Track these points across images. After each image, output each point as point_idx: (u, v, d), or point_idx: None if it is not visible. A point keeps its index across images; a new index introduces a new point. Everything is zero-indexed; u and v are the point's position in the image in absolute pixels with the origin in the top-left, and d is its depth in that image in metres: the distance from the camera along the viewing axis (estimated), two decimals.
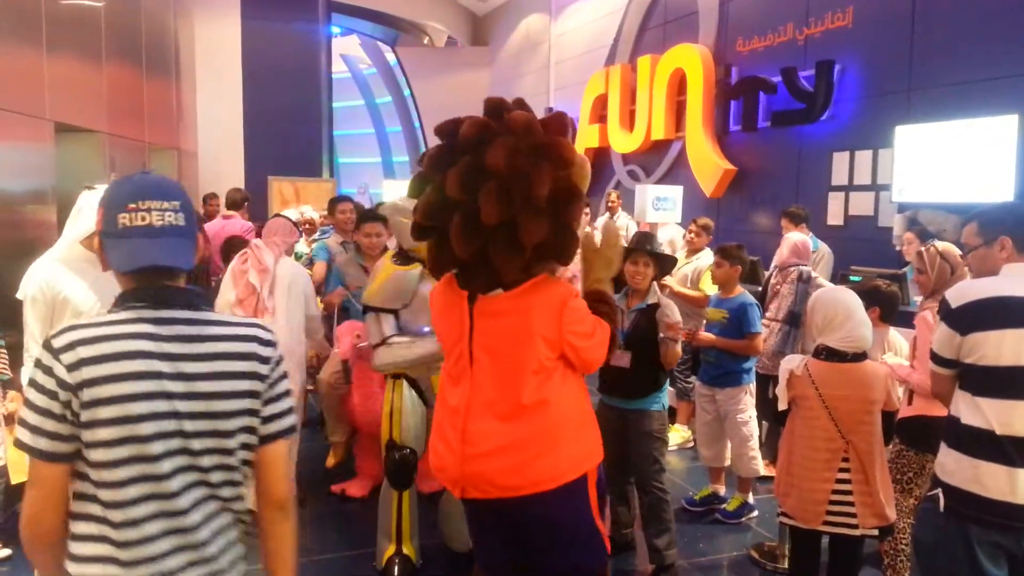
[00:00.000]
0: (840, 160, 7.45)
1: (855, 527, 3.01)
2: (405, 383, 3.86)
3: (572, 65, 13.01)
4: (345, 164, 19.07)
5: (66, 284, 3.16)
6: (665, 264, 4.11)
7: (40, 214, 5.42)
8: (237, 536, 1.72)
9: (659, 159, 10.38)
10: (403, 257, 3.78)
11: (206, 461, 1.62)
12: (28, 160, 5.38)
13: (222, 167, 10.54)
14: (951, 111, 6.20)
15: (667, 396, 4.10)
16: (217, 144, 10.84)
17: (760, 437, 5.15)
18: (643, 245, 4.02)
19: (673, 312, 3.96)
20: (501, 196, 2.22)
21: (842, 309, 3.04)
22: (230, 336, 1.67)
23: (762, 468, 4.89)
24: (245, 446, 1.67)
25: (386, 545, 3.86)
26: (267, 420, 1.70)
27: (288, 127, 11.60)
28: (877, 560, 3.89)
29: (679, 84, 9.77)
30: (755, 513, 4.74)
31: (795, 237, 5.45)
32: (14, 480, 3.93)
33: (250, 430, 1.67)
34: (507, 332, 2.42)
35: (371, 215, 4.91)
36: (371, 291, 3.80)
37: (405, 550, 3.85)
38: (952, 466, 2.47)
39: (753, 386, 4.77)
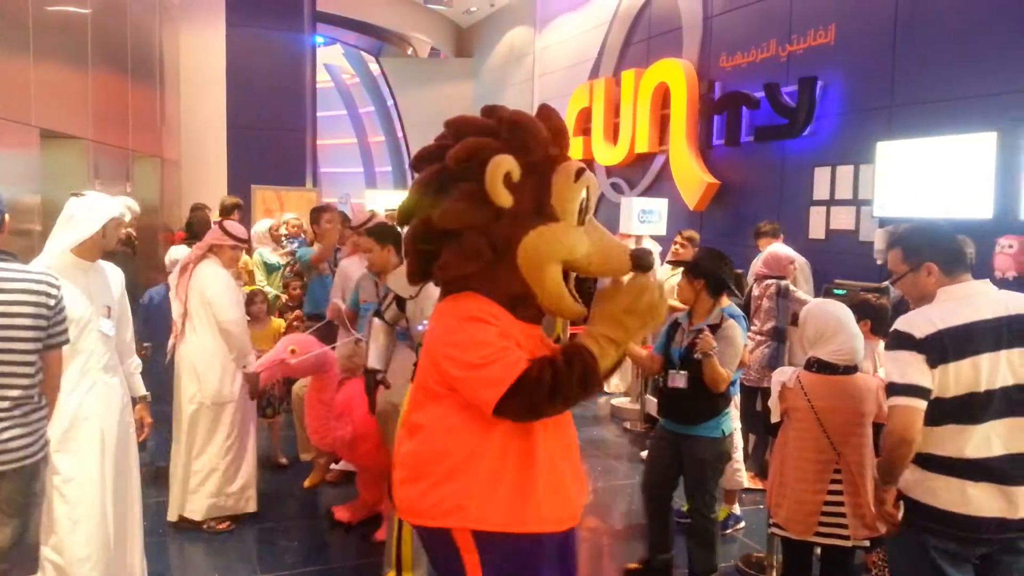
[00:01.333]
0: (822, 175, 7.54)
1: (847, 538, 3.05)
2: None
3: (556, 78, 13.08)
4: (327, 173, 19.03)
5: None
6: (715, 280, 3.90)
7: (25, 221, 5.36)
8: (18, 420, 2.71)
9: (642, 172, 10.45)
10: None
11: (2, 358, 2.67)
12: (13, 167, 5.32)
13: (205, 175, 10.49)
14: (932, 128, 6.30)
15: (729, 422, 3.89)
16: (200, 152, 10.79)
17: (746, 450, 5.20)
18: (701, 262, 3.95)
19: (735, 333, 3.80)
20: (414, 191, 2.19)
21: (833, 322, 3.08)
22: (26, 279, 2.72)
23: (746, 480, 4.93)
24: (35, 351, 2.74)
25: (386, 570, 3.78)
26: (51, 336, 2.79)
27: (272, 136, 11.55)
28: (863, 570, 3.93)
29: (663, 98, 9.85)
30: (741, 524, 4.77)
31: (770, 249, 5.52)
32: None
33: (38, 340, 2.74)
34: (433, 338, 2.21)
35: (371, 230, 4.65)
36: (393, 276, 4.14)
37: None
38: (909, 479, 2.53)
39: (738, 398, 4.81)
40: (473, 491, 2.05)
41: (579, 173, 2.16)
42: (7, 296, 2.66)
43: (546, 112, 2.25)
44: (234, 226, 4.75)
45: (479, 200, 2.04)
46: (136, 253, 5.29)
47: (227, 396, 4.52)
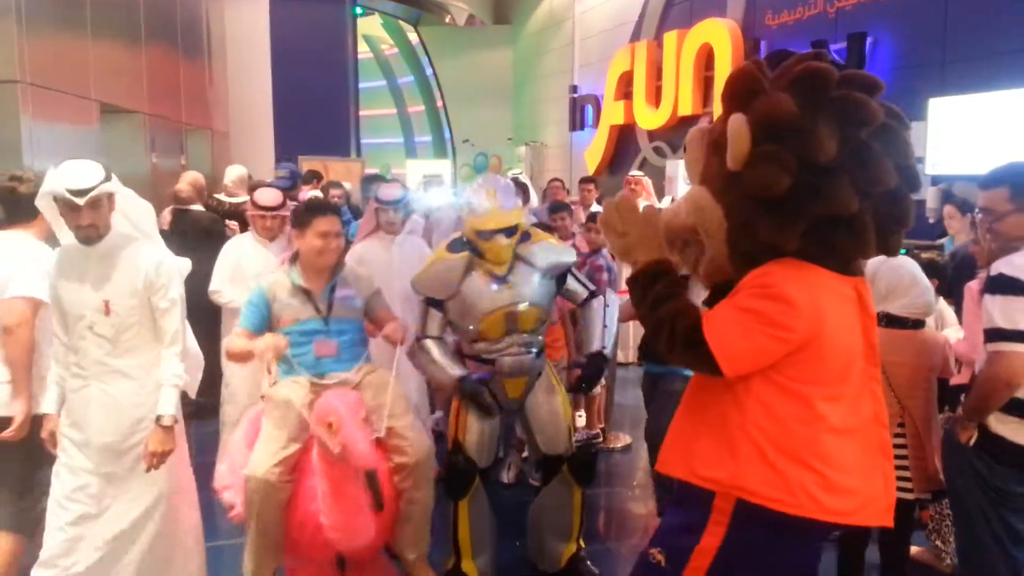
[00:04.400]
0: None
1: (910, 491, 3.07)
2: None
3: (596, 42, 12.96)
4: (367, 144, 19.15)
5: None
6: None
7: None
8: None
9: (686, 135, 10.34)
10: (459, 243, 3.45)
11: None
12: (76, 140, 5.47)
13: (253, 147, 10.65)
14: (985, 83, 6.17)
15: None
16: (248, 124, 10.94)
17: None
18: None
19: None
20: None
21: (907, 276, 3.07)
22: None
23: None
24: None
25: (450, 554, 3.56)
26: None
27: (316, 107, 11.69)
28: (919, 526, 3.96)
29: (706, 59, 9.73)
30: None
31: None
32: None
33: None
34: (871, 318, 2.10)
35: (324, 206, 3.49)
36: (418, 275, 3.48)
37: (464, 567, 3.48)
38: (1004, 422, 2.53)
39: None
40: None
41: None
42: None
43: None
44: (261, 194, 4.50)
45: None
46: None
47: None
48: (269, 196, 4.49)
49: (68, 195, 2.71)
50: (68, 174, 2.75)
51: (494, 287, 3.35)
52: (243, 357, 3.13)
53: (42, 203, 2.84)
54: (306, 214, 3.25)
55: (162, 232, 5.93)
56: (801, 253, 1.94)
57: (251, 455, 3.03)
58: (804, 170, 1.88)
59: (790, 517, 1.92)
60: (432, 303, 3.44)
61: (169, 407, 2.92)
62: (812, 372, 1.93)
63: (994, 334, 2.48)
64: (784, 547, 2.02)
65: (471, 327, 3.38)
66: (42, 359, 3.15)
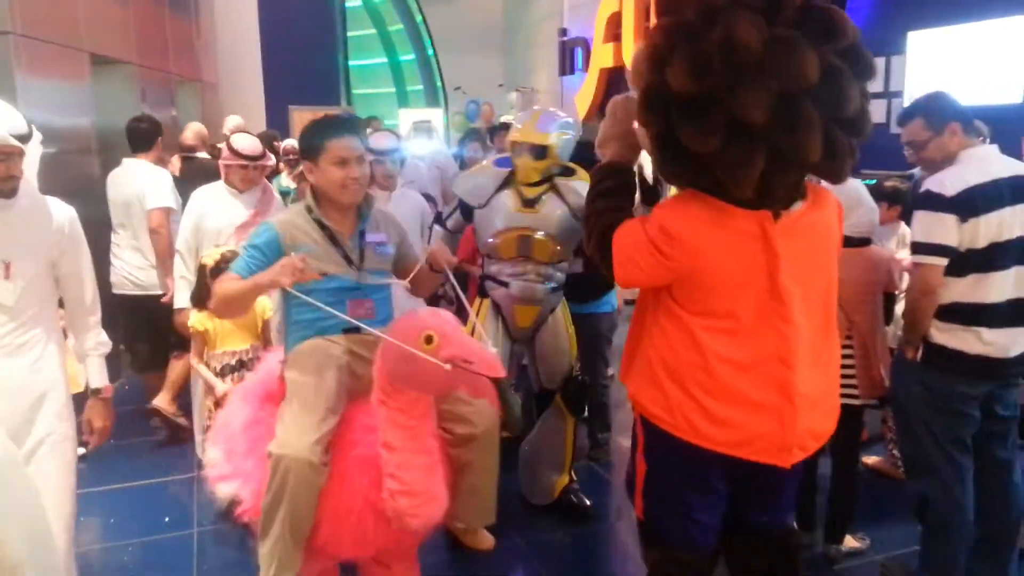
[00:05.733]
0: None
1: (856, 398, 3.27)
2: (490, 305, 3.59)
3: None
4: (359, 96, 19.05)
5: None
6: None
7: (81, 144, 5.66)
8: None
9: None
10: (505, 161, 3.59)
11: None
12: (67, 92, 5.55)
13: (243, 98, 10.67)
14: (963, 15, 6.23)
15: (614, 299, 4.38)
16: (237, 75, 10.94)
17: None
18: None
19: None
20: None
21: (854, 196, 3.19)
22: None
23: None
24: None
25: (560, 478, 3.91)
26: None
27: (305, 58, 11.68)
28: (879, 439, 4.21)
29: None
30: None
31: None
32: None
33: None
34: (813, 254, 2.06)
35: (338, 124, 2.60)
36: (459, 178, 3.81)
37: None
38: (935, 328, 2.74)
39: None
40: None
41: None
42: None
43: None
44: (241, 140, 4.15)
45: None
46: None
47: None
48: (250, 143, 4.16)
49: (14, 141, 2.23)
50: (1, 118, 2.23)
51: (518, 208, 3.48)
52: (243, 301, 2.50)
53: None
54: (315, 138, 2.53)
55: (173, 178, 6.13)
56: (699, 187, 2.01)
57: (278, 432, 2.42)
58: (675, 109, 1.91)
59: (675, 437, 2.05)
60: (464, 210, 3.64)
61: (104, 378, 2.68)
62: (696, 302, 2.02)
63: (913, 247, 2.72)
64: (681, 466, 2.12)
65: (489, 240, 3.51)
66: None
